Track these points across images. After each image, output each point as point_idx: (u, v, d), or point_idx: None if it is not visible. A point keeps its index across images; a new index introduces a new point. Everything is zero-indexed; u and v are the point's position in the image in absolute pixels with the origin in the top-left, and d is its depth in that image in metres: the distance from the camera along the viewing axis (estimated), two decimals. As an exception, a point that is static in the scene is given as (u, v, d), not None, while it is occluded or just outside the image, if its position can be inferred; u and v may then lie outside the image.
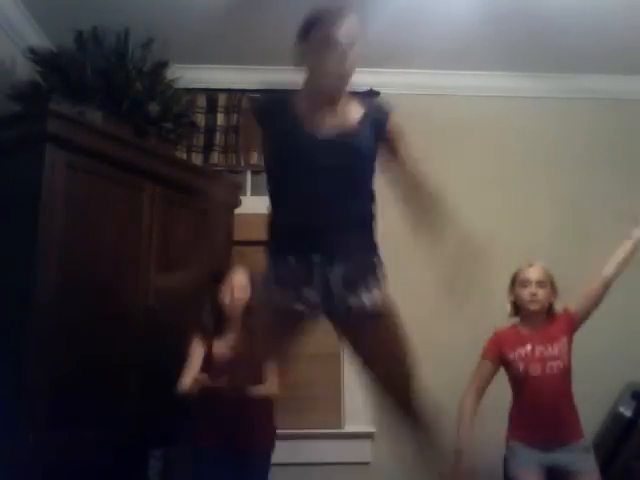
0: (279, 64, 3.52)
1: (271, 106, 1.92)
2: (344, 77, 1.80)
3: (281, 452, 3.22)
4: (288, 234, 1.84)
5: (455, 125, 3.61)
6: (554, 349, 2.41)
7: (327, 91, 1.82)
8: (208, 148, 3.48)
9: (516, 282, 2.54)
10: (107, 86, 2.65)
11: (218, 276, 2.46)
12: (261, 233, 3.54)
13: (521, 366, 2.42)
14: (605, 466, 2.84)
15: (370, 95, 1.91)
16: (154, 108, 2.77)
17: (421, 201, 1.95)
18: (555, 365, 2.40)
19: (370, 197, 1.88)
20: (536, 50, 3.36)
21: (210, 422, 2.36)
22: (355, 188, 1.81)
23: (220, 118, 3.50)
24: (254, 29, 3.17)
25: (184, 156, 3.38)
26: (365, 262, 1.80)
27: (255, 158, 3.49)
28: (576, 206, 3.59)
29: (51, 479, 2.10)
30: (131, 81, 2.72)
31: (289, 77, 3.69)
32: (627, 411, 2.91)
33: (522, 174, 3.62)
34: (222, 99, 3.52)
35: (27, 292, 2.14)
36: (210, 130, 3.49)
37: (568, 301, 2.52)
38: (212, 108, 3.51)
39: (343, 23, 1.79)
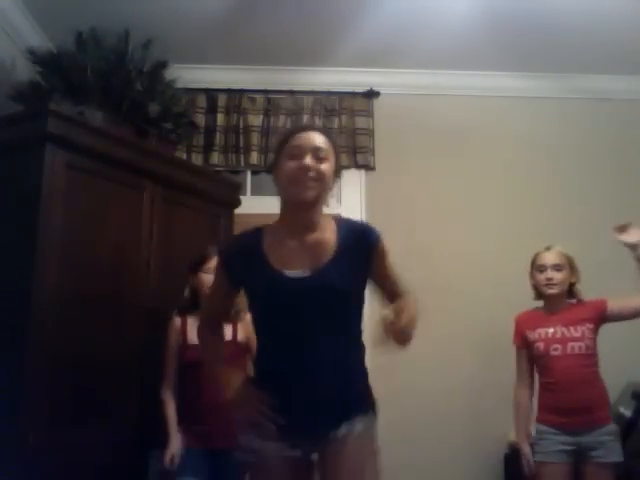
0: (279, 64, 3.56)
1: (238, 250, 1.75)
2: (307, 183, 1.63)
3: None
4: (271, 381, 1.68)
5: (455, 125, 3.62)
6: (577, 331, 2.43)
7: (295, 216, 1.69)
8: (208, 148, 3.48)
9: (534, 267, 2.60)
10: (107, 86, 2.65)
11: (198, 263, 2.46)
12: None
13: (541, 346, 2.47)
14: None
15: (348, 220, 1.79)
16: (154, 108, 2.77)
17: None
18: (577, 346, 2.42)
19: (356, 339, 1.72)
20: (536, 50, 3.36)
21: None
22: (335, 331, 1.64)
23: (220, 118, 3.51)
24: (254, 29, 3.18)
25: (184, 156, 3.38)
26: (349, 406, 1.65)
27: (255, 158, 3.49)
28: (576, 205, 3.59)
29: (51, 479, 2.10)
30: (131, 81, 2.72)
31: (289, 77, 3.71)
32: (627, 411, 2.91)
33: (522, 174, 3.62)
34: (222, 99, 3.52)
35: (27, 292, 2.14)
36: (210, 130, 3.50)
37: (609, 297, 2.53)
38: (212, 108, 3.52)
39: (307, 132, 1.70)
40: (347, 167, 3.57)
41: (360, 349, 1.73)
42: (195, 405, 2.38)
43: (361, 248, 1.68)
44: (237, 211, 3.16)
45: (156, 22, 2.92)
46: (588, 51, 3.37)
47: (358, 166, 3.56)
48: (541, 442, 2.45)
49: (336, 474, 1.63)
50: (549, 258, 2.54)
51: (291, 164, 1.64)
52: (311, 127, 1.91)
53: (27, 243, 2.17)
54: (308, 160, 1.63)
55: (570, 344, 2.42)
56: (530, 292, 3.43)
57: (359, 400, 1.69)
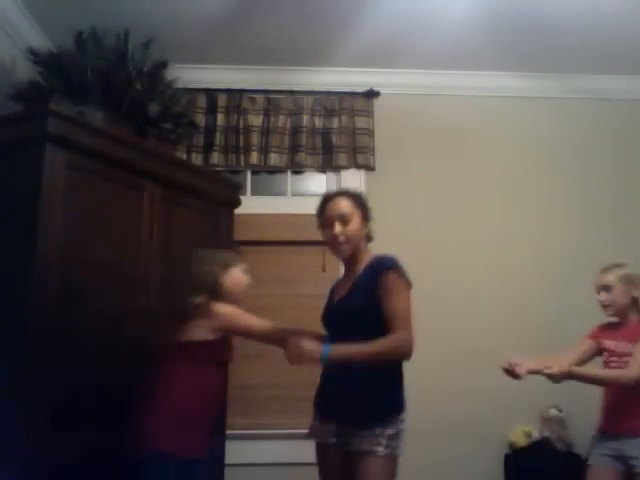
0: (279, 64, 3.56)
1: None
2: (339, 246, 2.13)
3: (281, 452, 3.24)
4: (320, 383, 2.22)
5: (455, 125, 3.62)
6: (631, 347, 2.44)
7: (339, 257, 2.23)
8: (208, 148, 3.48)
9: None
10: (107, 86, 2.65)
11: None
12: (261, 233, 3.57)
13: (605, 357, 2.54)
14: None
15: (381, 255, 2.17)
16: (154, 108, 2.77)
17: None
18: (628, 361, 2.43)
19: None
20: (536, 50, 3.36)
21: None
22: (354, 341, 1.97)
23: (220, 118, 3.51)
24: (254, 29, 3.18)
25: (184, 156, 3.39)
26: (369, 412, 2.03)
27: (255, 158, 3.49)
28: (575, 205, 3.60)
29: (51, 479, 2.10)
30: (131, 81, 2.72)
31: (289, 77, 3.71)
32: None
33: (522, 174, 3.63)
34: (222, 99, 3.52)
35: (27, 292, 2.14)
36: (210, 130, 3.50)
37: None
38: (212, 108, 3.52)
39: (334, 200, 2.16)
40: (347, 167, 3.58)
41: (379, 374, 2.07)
42: (204, 409, 2.23)
43: (372, 276, 2.07)
44: (237, 211, 3.16)
45: (156, 22, 2.92)
46: (588, 51, 3.37)
47: (358, 166, 3.57)
48: (592, 446, 2.54)
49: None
50: (598, 279, 2.58)
51: (325, 233, 2.16)
52: (337, 194, 2.20)
53: (27, 243, 2.17)
54: (337, 229, 2.11)
55: (625, 359, 2.44)
56: (528, 291, 3.45)
57: (373, 405, 2.04)
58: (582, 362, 2.56)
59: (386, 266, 2.05)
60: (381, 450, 1.97)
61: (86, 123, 2.42)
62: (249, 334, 2.29)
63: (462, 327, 3.34)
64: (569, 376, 2.33)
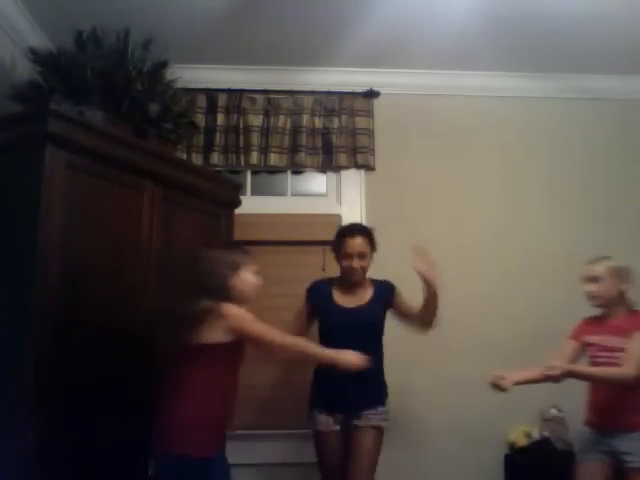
0: (279, 64, 3.56)
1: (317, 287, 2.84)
2: (355, 274, 2.70)
3: (282, 452, 3.24)
4: (322, 380, 2.71)
5: (455, 125, 3.62)
6: (622, 341, 2.42)
7: (347, 281, 2.74)
8: (208, 148, 3.48)
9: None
10: (107, 86, 2.65)
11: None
12: (261, 233, 3.57)
13: (591, 351, 2.53)
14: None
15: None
16: (154, 108, 2.77)
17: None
18: (620, 356, 2.41)
19: (379, 346, 2.71)
20: (536, 50, 3.36)
21: None
22: (366, 346, 2.43)
23: (220, 118, 3.51)
24: (254, 29, 3.18)
25: (184, 156, 3.39)
26: (371, 398, 2.65)
27: (255, 158, 3.50)
28: (575, 205, 3.60)
29: (51, 479, 2.10)
30: (131, 81, 2.72)
31: (289, 77, 3.71)
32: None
33: (522, 174, 3.63)
34: (222, 99, 3.53)
35: (27, 292, 2.14)
36: (210, 130, 3.50)
37: None
38: (212, 108, 3.52)
39: (353, 238, 2.68)
40: (347, 167, 3.58)
41: (380, 358, 2.68)
42: (219, 411, 2.23)
43: (387, 293, 2.77)
44: (237, 211, 3.16)
45: (156, 22, 2.92)
46: (588, 51, 3.37)
47: (358, 166, 3.57)
48: (581, 442, 2.55)
49: (357, 448, 2.58)
50: (586, 271, 2.57)
51: (344, 263, 2.72)
52: (356, 232, 2.71)
53: (27, 243, 2.17)
54: (355, 263, 2.68)
55: (615, 354, 2.43)
56: (528, 291, 3.45)
57: (375, 393, 2.66)
58: (573, 363, 2.54)
59: (393, 286, 2.79)
60: (384, 424, 2.63)
61: (86, 123, 2.42)
62: (266, 346, 2.30)
63: (462, 327, 3.34)
64: (570, 374, 2.34)
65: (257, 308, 3.53)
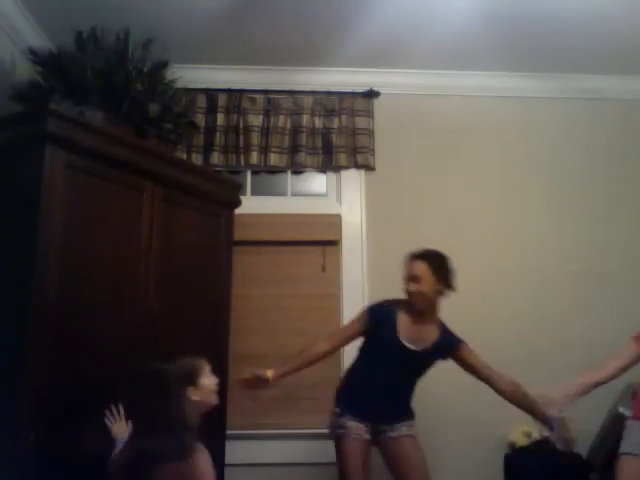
0: (279, 64, 3.56)
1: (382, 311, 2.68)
2: (418, 302, 2.59)
3: (283, 452, 3.24)
4: (358, 393, 2.65)
5: (455, 125, 3.62)
6: None
7: (413, 308, 2.62)
8: (208, 148, 3.48)
9: None
10: (107, 86, 2.64)
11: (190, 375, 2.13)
12: (261, 233, 3.57)
13: None
14: (604, 466, 2.85)
15: (446, 332, 2.72)
16: (154, 108, 2.77)
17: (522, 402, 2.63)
18: None
19: (414, 384, 2.70)
20: (536, 50, 3.36)
21: None
22: (408, 382, 2.67)
23: (220, 118, 3.51)
24: (254, 29, 3.18)
25: (184, 156, 3.38)
26: (401, 415, 2.68)
27: (255, 158, 3.50)
28: (575, 205, 3.60)
29: (51, 479, 2.10)
30: (131, 81, 2.72)
31: (289, 77, 3.71)
32: (627, 411, 2.90)
33: (522, 174, 3.63)
34: (222, 99, 3.52)
35: (27, 292, 2.14)
36: (210, 130, 3.50)
37: None
38: (212, 108, 3.52)
39: (412, 264, 2.59)
40: (347, 167, 3.58)
41: (413, 387, 2.70)
42: None
43: (448, 346, 2.69)
44: (237, 211, 3.16)
45: (156, 22, 2.91)
46: (588, 51, 3.37)
47: (358, 166, 3.57)
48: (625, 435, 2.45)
49: (403, 453, 2.62)
50: None
51: (404, 284, 2.61)
52: (416, 257, 2.61)
53: (27, 243, 2.17)
54: (410, 286, 2.58)
55: None
56: (528, 291, 3.45)
57: (406, 412, 2.70)
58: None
59: (459, 343, 2.71)
60: (414, 434, 2.67)
61: (86, 123, 2.42)
62: None
63: (462, 327, 3.33)
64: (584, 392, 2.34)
65: (257, 308, 3.55)
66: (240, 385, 2.64)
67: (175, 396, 2.00)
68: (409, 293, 2.59)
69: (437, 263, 2.60)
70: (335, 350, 2.75)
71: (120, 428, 2.21)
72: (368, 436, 2.60)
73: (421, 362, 2.65)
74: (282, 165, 3.53)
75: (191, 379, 2.11)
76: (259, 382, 2.58)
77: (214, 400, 2.18)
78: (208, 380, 2.16)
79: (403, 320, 2.61)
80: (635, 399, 2.49)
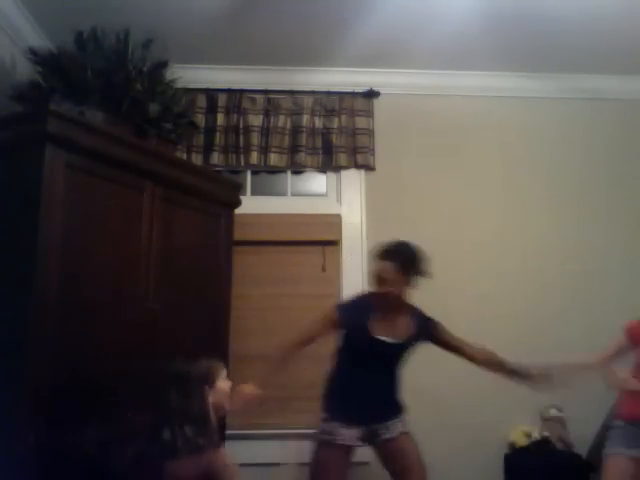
0: (279, 64, 3.56)
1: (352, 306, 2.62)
2: (389, 300, 2.51)
3: (281, 452, 3.24)
4: (344, 397, 2.57)
5: (455, 125, 3.62)
6: None
7: (385, 301, 2.53)
8: (208, 148, 3.48)
9: None
10: (107, 86, 2.65)
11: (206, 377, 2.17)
12: (261, 233, 3.57)
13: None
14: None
15: (420, 314, 2.66)
16: (154, 108, 2.77)
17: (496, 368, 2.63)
18: None
19: (399, 375, 2.66)
20: (536, 50, 3.36)
21: None
22: (392, 375, 2.63)
23: (220, 118, 3.51)
24: (254, 29, 3.18)
25: (184, 156, 3.38)
26: (392, 411, 2.63)
27: (255, 158, 3.50)
28: (575, 205, 3.60)
29: (51, 479, 2.10)
30: (131, 81, 2.72)
31: (289, 77, 3.71)
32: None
33: (521, 174, 3.63)
34: (222, 99, 3.52)
35: (27, 292, 2.14)
36: (210, 130, 3.50)
37: None
38: (212, 108, 3.52)
39: (377, 265, 2.50)
40: (347, 167, 3.58)
41: (399, 378, 2.65)
42: None
43: (427, 332, 2.62)
44: (237, 211, 3.16)
45: (156, 22, 2.92)
46: (588, 51, 3.37)
47: (358, 166, 3.57)
48: (610, 437, 2.52)
49: (402, 450, 2.58)
50: None
51: (373, 283, 2.55)
52: (381, 256, 2.51)
53: (27, 243, 2.17)
54: (378, 288, 2.50)
55: None
56: (527, 291, 3.45)
57: (396, 407, 2.64)
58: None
59: (436, 323, 2.66)
60: (408, 429, 2.62)
61: (86, 123, 2.42)
62: None
63: (461, 327, 3.33)
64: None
65: (257, 308, 3.55)
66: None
67: (196, 394, 2.08)
68: (377, 292, 2.52)
69: (403, 260, 2.49)
70: (303, 347, 2.61)
71: None
72: (359, 443, 2.55)
73: (401, 353, 2.60)
74: (282, 165, 3.53)
75: (208, 380, 2.14)
76: (252, 401, 2.49)
77: (227, 404, 2.20)
78: (224, 383, 2.19)
79: (376, 315, 2.53)
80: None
